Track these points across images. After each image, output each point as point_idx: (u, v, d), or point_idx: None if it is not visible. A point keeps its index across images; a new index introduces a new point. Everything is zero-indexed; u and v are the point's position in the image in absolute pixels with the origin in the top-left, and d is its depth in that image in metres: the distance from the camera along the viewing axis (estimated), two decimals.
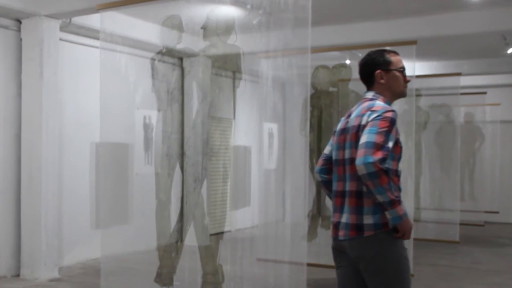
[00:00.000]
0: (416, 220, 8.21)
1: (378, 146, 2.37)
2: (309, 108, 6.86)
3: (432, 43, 6.73)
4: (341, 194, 2.66)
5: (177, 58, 5.10)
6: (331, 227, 2.73)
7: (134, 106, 5.56)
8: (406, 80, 2.73)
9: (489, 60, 9.06)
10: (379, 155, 2.35)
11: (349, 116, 2.72)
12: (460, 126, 9.11)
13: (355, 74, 7.64)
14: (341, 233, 2.61)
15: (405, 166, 5.54)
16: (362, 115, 2.57)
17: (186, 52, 4.97)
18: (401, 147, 2.56)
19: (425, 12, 6.52)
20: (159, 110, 4.90)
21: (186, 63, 5.01)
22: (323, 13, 6.20)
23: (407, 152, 5.98)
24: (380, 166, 2.34)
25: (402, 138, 2.79)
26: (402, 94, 2.75)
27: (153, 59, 4.88)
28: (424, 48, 5.94)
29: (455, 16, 6.53)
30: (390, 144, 2.43)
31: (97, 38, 5.14)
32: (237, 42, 4.69)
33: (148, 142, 5.65)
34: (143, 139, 5.77)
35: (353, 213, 2.56)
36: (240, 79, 4.85)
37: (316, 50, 5.53)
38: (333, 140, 2.82)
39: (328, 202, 7.57)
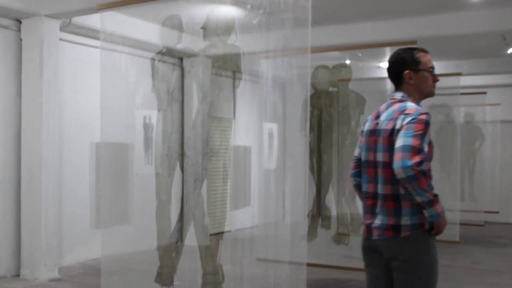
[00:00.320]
0: None
1: (414, 149, 2.39)
2: (309, 108, 6.86)
3: (432, 43, 6.71)
4: (373, 196, 2.66)
5: (177, 58, 5.10)
6: (363, 227, 2.73)
7: (134, 106, 5.56)
8: (435, 80, 2.70)
9: (489, 60, 9.06)
10: (416, 158, 2.37)
11: (377, 117, 2.70)
12: (460, 126, 9.11)
13: (355, 74, 7.70)
14: (376, 233, 2.63)
15: None
16: (395, 119, 2.55)
17: (186, 52, 4.97)
18: (433, 147, 2.57)
19: (425, 12, 6.52)
20: (159, 110, 4.90)
21: (186, 63, 5.01)
22: (323, 13, 6.20)
23: None
24: (418, 169, 2.36)
25: None
26: (430, 94, 2.72)
27: (153, 59, 4.88)
28: (424, 48, 5.92)
29: (455, 16, 6.52)
30: (426, 147, 2.44)
31: (97, 38, 5.13)
32: (237, 42, 4.69)
33: (148, 142, 5.65)
34: (143, 139, 5.77)
35: (390, 216, 2.57)
36: (240, 79, 4.85)
37: (316, 50, 5.54)
38: (361, 141, 2.80)
39: (328, 202, 7.58)
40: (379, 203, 2.62)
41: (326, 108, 7.44)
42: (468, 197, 10.05)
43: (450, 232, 7.64)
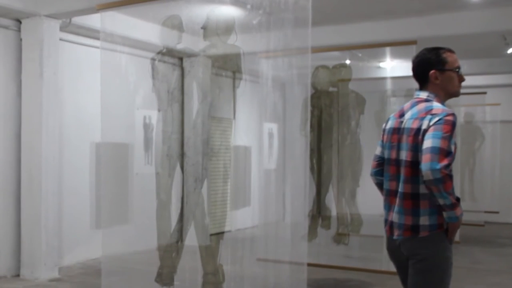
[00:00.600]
0: None
1: (443, 152, 2.40)
2: (309, 108, 6.86)
3: (432, 43, 6.71)
4: (394, 194, 2.67)
5: (177, 58, 5.10)
6: (385, 225, 2.75)
7: (134, 106, 5.56)
8: (461, 80, 2.69)
9: (489, 60, 9.06)
10: (445, 161, 2.38)
11: (401, 115, 2.69)
12: (460, 126, 9.11)
13: (355, 74, 7.69)
14: (396, 232, 2.65)
15: None
16: (421, 118, 2.54)
17: (186, 52, 4.97)
18: (456, 148, 2.56)
19: (425, 12, 6.52)
20: (159, 110, 4.90)
21: (186, 63, 5.01)
22: (323, 13, 6.20)
23: None
24: (446, 172, 2.37)
25: None
26: (455, 94, 2.71)
27: (153, 59, 4.88)
28: (424, 48, 5.93)
29: (455, 16, 6.52)
30: (453, 148, 2.45)
31: (97, 38, 5.13)
32: (237, 42, 4.69)
33: (148, 142, 5.66)
34: (143, 139, 5.78)
35: (408, 214, 2.58)
36: (240, 79, 4.85)
37: (316, 50, 5.54)
38: (383, 139, 2.80)
39: (328, 202, 7.58)
40: (398, 201, 2.63)
41: (326, 108, 7.44)
42: (468, 197, 10.05)
43: None
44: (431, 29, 6.67)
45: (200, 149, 4.80)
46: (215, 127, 5.09)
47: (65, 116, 6.49)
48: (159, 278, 4.89)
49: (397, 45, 6.63)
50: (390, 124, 2.75)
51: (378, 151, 2.86)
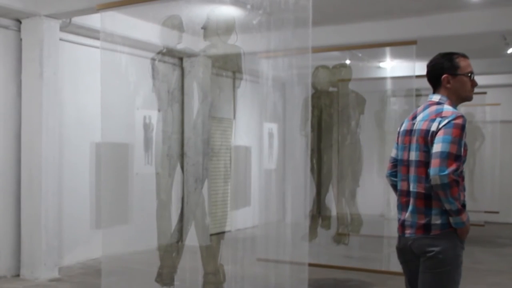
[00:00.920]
0: None
1: (452, 156, 2.48)
2: (310, 108, 6.86)
3: (432, 43, 6.72)
4: (406, 194, 2.75)
5: (177, 58, 5.10)
6: (397, 225, 2.82)
7: (134, 106, 5.56)
8: (473, 85, 2.77)
9: (489, 60, 9.06)
10: (453, 166, 2.47)
11: (414, 118, 2.78)
12: None
13: (355, 74, 7.69)
14: (408, 231, 2.72)
15: None
16: (431, 120, 2.62)
17: (186, 52, 4.97)
18: (467, 149, 2.64)
19: (425, 12, 6.52)
20: (159, 110, 4.90)
21: (186, 63, 5.01)
22: (323, 13, 6.20)
23: None
24: (453, 177, 2.47)
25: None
26: (467, 99, 2.79)
27: (153, 59, 4.88)
28: (424, 48, 5.93)
29: (455, 16, 6.52)
30: (462, 151, 2.53)
31: (97, 38, 5.13)
32: (238, 42, 4.69)
33: (148, 142, 5.66)
34: (143, 139, 5.77)
35: (420, 213, 2.66)
36: (241, 79, 4.85)
37: (316, 50, 5.53)
38: (397, 141, 2.89)
39: (328, 202, 7.58)
40: (411, 200, 2.70)
41: (326, 108, 7.44)
42: (468, 197, 10.00)
43: None
44: (431, 29, 6.67)
45: (201, 149, 4.80)
46: (215, 127, 5.09)
47: (65, 116, 6.48)
48: (159, 278, 4.88)
49: (397, 45, 6.64)
50: (403, 127, 2.85)
51: (393, 153, 2.94)
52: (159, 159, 4.91)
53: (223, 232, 5.04)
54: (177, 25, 4.87)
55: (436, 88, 2.78)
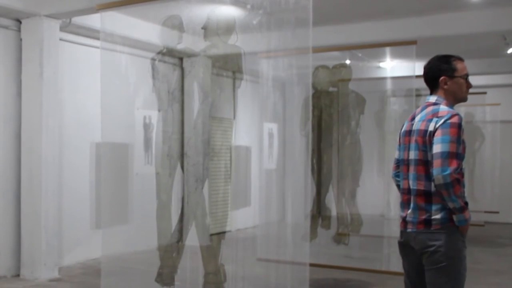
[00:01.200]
0: None
1: (453, 155, 2.59)
2: (310, 108, 6.86)
3: (432, 43, 6.72)
4: (408, 192, 2.84)
5: (177, 58, 5.09)
6: (399, 221, 2.90)
7: (134, 106, 5.55)
8: (469, 86, 2.89)
9: (489, 60, 9.06)
10: (454, 164, 2.58)
11: (413, 118, 2.88)
12: None
13: (355, 74, 7.69)
14: (409, 226, 2.80)
15: None
16: (428, 120, 2.72)
17: (186, 52, 4.97)
18: (465, 147, 2.71)
19: (425, 12, 6.53)
20: (159, 110, 4.89)
21: (186, 63, 5.00)
22: (323, 13, 6.20)
23: None
24: (455, 176, 2.58)
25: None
26: (463, 100, 2.90)
27: (153, 59, 4.87)
28: (424, 48, 5.93)
29: (455, 16, 6.53)
30: (462, 148, 2.63)
31: (97, 38, 5.13)
32: (238, 42, 4.69)
33: (148, 142, 5.65)
34: (143, 139, 5.77)
35: (422, 210, 2.74)
36: (241, 79, 4.85)
37: (316, 50, 5.53)
38: (399, 143, 2.99)
39: (328, 202, 7.58)
40: (412, 198, 2.79)
41: (326, 108, 7.44)
42: (468, 197, 10.00)
43: None
44: (431, 29, 6.67)
45: (201, 149, 4.80)
46: (216, 127, 5.09)
47: (65, 116, 6.48)
48: (160, 278, 4.88)
49: (397, 45, 6.64)
50: (404, 128, 2.95)
51: (396, 154, 3.03)
52: (159, 159, 4.91)
53: (224, 232, 5.03)
54: (177, 25, 4.87)
55: (433, 90, 2.88)
